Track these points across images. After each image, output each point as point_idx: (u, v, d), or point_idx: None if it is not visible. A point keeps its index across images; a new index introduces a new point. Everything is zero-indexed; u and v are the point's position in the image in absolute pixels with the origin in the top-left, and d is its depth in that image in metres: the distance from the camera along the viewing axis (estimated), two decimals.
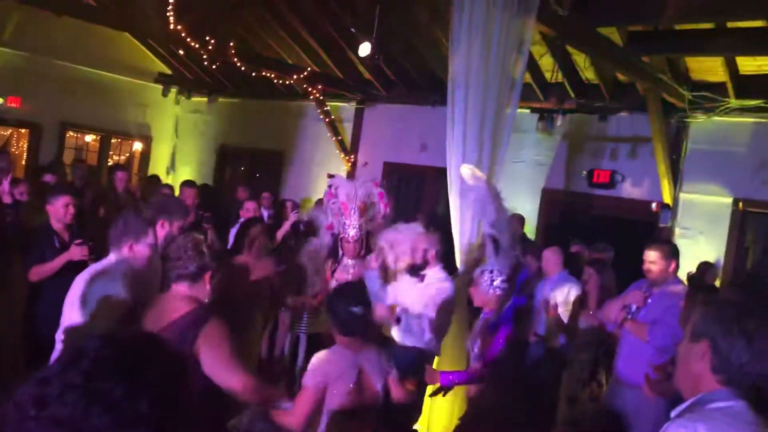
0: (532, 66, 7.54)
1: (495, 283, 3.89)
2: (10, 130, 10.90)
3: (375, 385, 2.98)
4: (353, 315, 2.92)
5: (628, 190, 7.75)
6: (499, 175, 5.00)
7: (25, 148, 10.94)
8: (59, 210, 4.50)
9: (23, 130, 10.87)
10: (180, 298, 2.82)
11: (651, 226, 7.30)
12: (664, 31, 6.22)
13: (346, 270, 4.75)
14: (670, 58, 6.77)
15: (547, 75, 7.80)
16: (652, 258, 4.31)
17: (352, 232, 4.76)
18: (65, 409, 1.11)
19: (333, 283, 4.66)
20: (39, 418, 1.11)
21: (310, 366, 2.94)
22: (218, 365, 2.68)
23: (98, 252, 4.06)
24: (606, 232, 6.89)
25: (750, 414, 1.59)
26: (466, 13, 4.63)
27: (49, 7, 8.03)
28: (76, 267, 4.30)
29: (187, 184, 7.25)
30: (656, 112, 6.96)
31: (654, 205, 7.28)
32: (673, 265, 4.33)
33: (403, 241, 4.67)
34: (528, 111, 8.07)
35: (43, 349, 3.20)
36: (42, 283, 4.31)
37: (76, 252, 4.29)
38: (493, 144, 4.84)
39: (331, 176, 5.29)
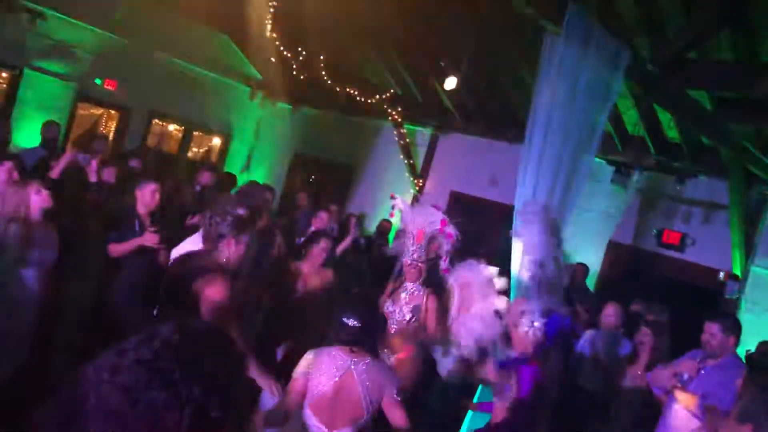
0: (615, 117, 7.48)
1: (535, 324, 3.77)
2: (102, 111, 11.46)
3: (358, 393, 2.99)
4: (345, 326, 3.03)
5: (697, 255, 7.56)
6: (567, 221, 4.99)
7: (113, 130, 11.49)
8: (146, 196, 4.75)
9: (114, 112, 11.42)
10: None
11: (716, 296, 7.09)
12: (755, 100, 6.09)
13: (405, 294, 4.75)
14: (759, 128, 6.61)
15: (629, 128, 7.72)
16: (713, 330, 4.21)
17: (410, 257, 4.75)
18: (131, 379, 1.23)
19: (388, 304, 4.71)
20: (110, 382, 1.24)
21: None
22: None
23: (170, 241, 4.26)
24: (668, 294, 6.72)
25: None
26: (556, 56, 4.67)
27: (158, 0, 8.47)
28: (150, 251, 4.53)
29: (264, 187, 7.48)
30: (737, 181, 6.80)
31: (722, 274, 7.07)
32: (732, 341, 4.21)
33: (475, 284, 4.68)
34: (604, 162, 7.99)
35: (116, 321, 3.38)
36: (119, 261, 4.55)
37: (149, 238, 4.52)
38: (566, 189, 4.84)
39: (393, 197, 5.34)
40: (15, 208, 3.63)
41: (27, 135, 9.04)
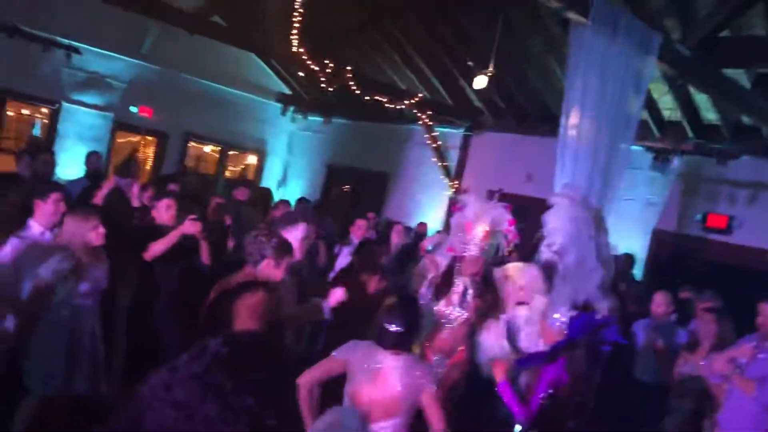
0: (651, 103, 7.36)
1: (555, 316, 3.67)
2: (139, 137, 11.73)
3: (396, 390, 3.02)
4: (387, 331, 3.08)
5: (745, 237, 7.36)
6: (609, 212, 4.91)
7: (151, 155, 11.75)
8: (162, 212, 4.84)
9: (151, 138, 11.69)
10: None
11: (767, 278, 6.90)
12: None
13: (459, 293, 4.62)
14: None
15: (666, 113, 7.59)
16: (767, 312, 4.11)
17: (473, 251, 4.60)
18: (186, 394, 1.28)
19: (441, 304, 4.65)
20: (165, 399, 1.28)
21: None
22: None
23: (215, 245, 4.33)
24: (717, 279, 6.57)
25: None
26: (583, 46, 4.61)
27: (184, 25, 8.64)
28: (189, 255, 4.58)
29: (301, 200, 7.56)
30: None
31: None
32: None
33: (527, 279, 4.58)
34: (642, 149, 7.85)
35: (159, 339, 3.46)
36: (156, 279, 4.61)
37: (189, 226, 4.55)
38: (604, 179, 4.77)
39: (464, 191, 5.24)
40: (70, 238, 3.74)
41: (69, 167, 9.30)
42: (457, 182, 10.36)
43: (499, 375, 3.57)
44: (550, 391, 3.34)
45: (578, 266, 4.10)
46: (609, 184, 4.82)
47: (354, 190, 12.36)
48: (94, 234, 3.81)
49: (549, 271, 4.29)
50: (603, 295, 3.99)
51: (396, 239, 7.33)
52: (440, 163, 10.47)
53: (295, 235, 4.43)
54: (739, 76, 6.05)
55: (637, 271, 7.93)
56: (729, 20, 5.28)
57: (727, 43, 5.51)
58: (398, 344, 3.11)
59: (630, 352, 5.60)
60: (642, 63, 4.69)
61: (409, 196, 10.95)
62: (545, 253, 4.38)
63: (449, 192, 10.31)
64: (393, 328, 3.08)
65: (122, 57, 10.54)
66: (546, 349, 3.63)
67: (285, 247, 3.75)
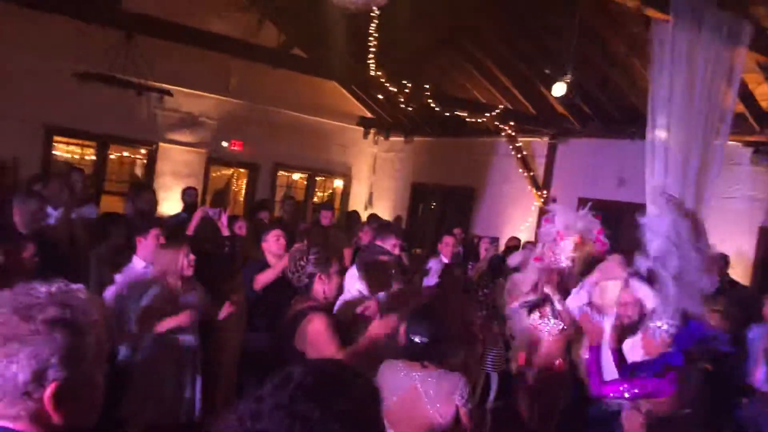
0: (747, 95, 6.98)
1: (661, 327, 3.41)
2: (232, 170, 12.23)
3: (424, 406, 2.93)
4: (412, 342, 3.01)
5: None
6: (708, 211, 4.69)
7: (243, 186, 12.22)
8: (272, 243, 4.97)
9: (242, 170, 12.16)
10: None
11: None
12: None
13: (551, 305, 4.55)
14: None
15: (764, 104, 7.17)
16: None
17: (564, 262, 4.56)
18: (273, 425, 1.29)
19: (534, 316, 4.57)
20: (253, 430, 1.30)
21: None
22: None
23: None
24: None
25: None
26: (667, 43, 4.45)
27: (266, 61, 8.97)
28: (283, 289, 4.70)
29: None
30: None
31: None
32: None
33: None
34: (741, 144, 7.45)
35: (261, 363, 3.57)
36: (257, 309, 4.77)
37: (297, 247, 4.68)
38: (699, 178, 4.56)
39: (553, 201, 5.17)
40: (164, 270, 3.94)
41: (169, 203, 9.79)
42: (545, 192, 10.16)
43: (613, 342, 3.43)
44: (640, 401, 3.17)
45: (681, 272, 3.89)
46: (705, 183, 4.61)
47: (440, 206, 12.35)
48: (185, 263, 3.99)
49: (650, 279, 4.12)
50: (698, 306, 3.73)
51: (484, 253, 7.27)
52: (527, 174, 10.31)
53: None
54: None
55: (744, 272, 7.49)
56: None
57: None
58: (425, 356, 3.02)
59: (742, 360, 5.28)
60: (732, 54, 4.48)
61: (496, 209, 10.84)
62: (642, 262, 4.18)
63: (538, 203, 10.12)
64: (417, 338, 3.01)
65: (211, 95, 11.05)
66: (652, 359, 3.45)
67: (326, 258, 3.81)
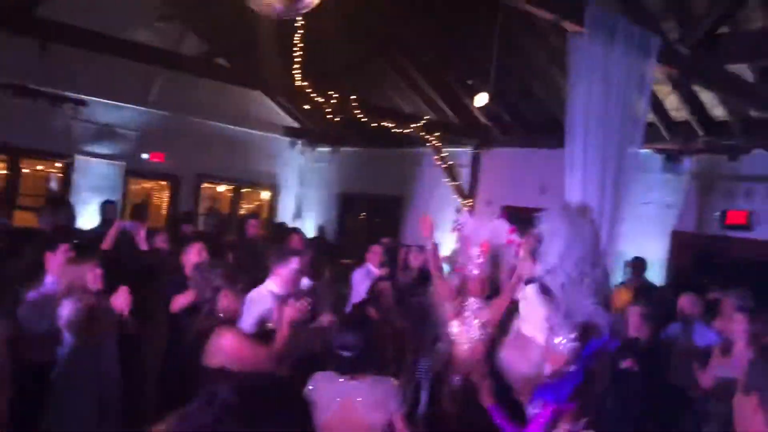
0: (657, 105, 7.33)
1: (556, 341, 3.35)
2: (152, 184, 11.88)
3: (361, 416, 2.93)
4: (340, 357, 3.01)
5: (767, 231, 7.26)
6: (624, 217, 4.87)
7: (165, 200, 11.88)
8: (193, 257, 4.83)
9: (164, 183, 11.82)
10: None
11: None
12: None
13: (470, 311, 4.65)
14: None
15: (673, 114, 7.54)
16: None
17: (474, 270, 4.65)
18: None
19: (455, 325, 4.63)
20: None
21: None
22: None
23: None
24: (742, 277, 6.46)
25: None
26: (583, 54, 4.62)
27: (189, 70, 8.79)
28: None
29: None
30: None
31: None
32: None
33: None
34: (653, 152, 7.80)
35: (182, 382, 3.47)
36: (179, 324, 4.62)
37: None
38: (616, 185, 4.74)
39: (458, 211, 5.28)
40: (69, 285, 3.79)
41: (87, 218, 9.40)
42: (471, 201, 10.34)
43: (487, 397, 3.40)
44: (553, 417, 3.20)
45: (573, 284, 3.91)
46: (621, 189, 4.79)
47: (369, 216, 12.37)
48: (91, 277, 3.85)
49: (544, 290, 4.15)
50: (603, 313, 3.77)
51: (415, 263, 7.31)
52: (452, 183, 10.47)
53: (290, 268, 4.47)
54: (743, 70, 6.01)
55: (659, 275, 7.83)
56: (726, 16, 5.27)
57: (727, 39, 5.49)
58: (355, 369, 3.02)
59: (664, 357, 5.51)
60: (643, 66, 4.68)
61: None
62: (540, 274, 4.22)
63: (463, 211, 10.28)
64: (345, 353, 3.00)
65: (131, 106, 10.71)
66: (555, 381, 3.39)
67: (235, 273, 3.78)
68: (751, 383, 1.60)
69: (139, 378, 4.49)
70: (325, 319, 4.34)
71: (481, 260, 4.61)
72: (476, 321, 4.57)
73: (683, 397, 5.28)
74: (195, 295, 3.95)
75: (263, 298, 4.34)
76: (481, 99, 7.60)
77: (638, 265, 7.32)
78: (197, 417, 1.30)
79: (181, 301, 4.55)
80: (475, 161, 10.49)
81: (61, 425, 3.63)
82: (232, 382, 1.39)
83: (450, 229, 5.16)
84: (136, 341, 4.34)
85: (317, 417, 2.97)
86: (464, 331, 4.58)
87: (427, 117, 9.85)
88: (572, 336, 3.36)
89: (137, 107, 10.76)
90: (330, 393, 2.97)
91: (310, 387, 3.05)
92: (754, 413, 1.55)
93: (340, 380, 3.01)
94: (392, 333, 4.86)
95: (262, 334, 3.86)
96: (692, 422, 5.17)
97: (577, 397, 3.15)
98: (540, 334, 3.81)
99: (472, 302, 4.64)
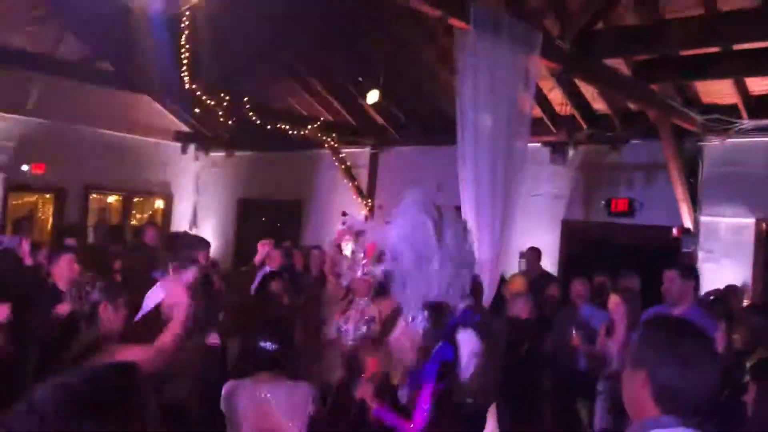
0: (542, 100, 7.62)
1: (412, 319, 3.47)
2: (36, 196, 11.16)
3: (279, 421, 2.90)
4: (262, 350, 2.96)
5: (648, 217, 7.71)
6: (516, 209, 5.03)
7: (50, 213, 11.18)
8: (64, 268, 4.57)
9: (48, 195, 11.13)
10: None
11: (674, 252, 7.23)
12: (670, 58, 6.28)
13: (358, 310, 4.74)
14: (679, 84, 6.81)
15: (558, 108, 7.87)
16: (671, 276, 4.31)
17: (360, 272, 4.73)
18: None
19: (342, 323, 4.70)
20: None
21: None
22: None
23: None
24: (629, 261, 6.83)
25: None
26: (469, 52, 4.71)
27: (69, 75, 8.32)
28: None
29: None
30: (669, 138, 6.97)
31: (675, 230, 7.23)
32: (691, 285, 4.31)
33: None
34: (540, 145, 8.11)
35: None
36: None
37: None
38: (506, 179, 4.88)
39: (344, 214, 5.31)
40: None
41: None
42: (370, 201, 10.38)
43: (370, 400, 3.33)
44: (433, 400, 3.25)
45: (418, 267, 3.94)
46: (512, 182, 4.93)
47: (269, 221, 12.17)
48: None
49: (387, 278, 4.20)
50: (459, 294, 3.85)
51: (315, 265, 7.23)
52: (351, 184, 10.47)
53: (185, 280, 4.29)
54: (620, 65, 6.35)
55: (554, 263, 8.15)
56: (601, 13, 5.55)
57: (603, 35, 5.78)
58: (275, 364, 2.97)
59: (559, 341, 5.73)
60: (527, 61, 4.84)
61: (324, 220, 10.86)
62: (380, 265, 4.22)
63: (364, 212, 10.31)
64: (268, 345, 2.94)
65: (7, 115, 10.02)
66: (430, 361, 3.41)
67: (115, 287, 3.64)
68: (637, 358, 1.64)
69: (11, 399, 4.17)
70: (212, 338, 4.25)
71: (366, 263, 4.66)
72: (362, 319, 4.65)
73: (572, 375, 5.54)
74: (71, 308, 3.74)
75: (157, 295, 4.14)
76: (372, 96, 7.64)
77: (533, 254, 7.57)
78: (10, 425, 1.20)
79: (57, 313, 4.28)
80: (373, 161, 10.54)
81: None
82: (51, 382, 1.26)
83: (336, 234, 5.20)
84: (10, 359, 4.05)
85: (233, 426, 2.88)
86: (350, 329, 4.65)
87: (323, 118, 9.80)
88: (422, 315, 3.44)
89: (14, 116, 10.07)
90: (247, 398, 2.89)
91: (225, 396, 2.95)
92: (641, 388, 1.58)
93: (258, 384, 2.93)
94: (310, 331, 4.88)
95: (154, 316, 3.67)
96: (583, 399, 5.42)
97: (446, 375, 3.23)
98: None
99: (359, 301, 4.77)
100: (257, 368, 2.98)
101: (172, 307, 3.35)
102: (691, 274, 4.36)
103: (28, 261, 5.20)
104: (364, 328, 4.63)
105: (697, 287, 4.41)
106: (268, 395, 2.88)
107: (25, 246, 5.18)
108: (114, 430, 1.21)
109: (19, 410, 1.21)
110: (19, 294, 4.49)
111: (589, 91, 7.51)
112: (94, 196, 11.72)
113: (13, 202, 10.63)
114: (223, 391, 3.00)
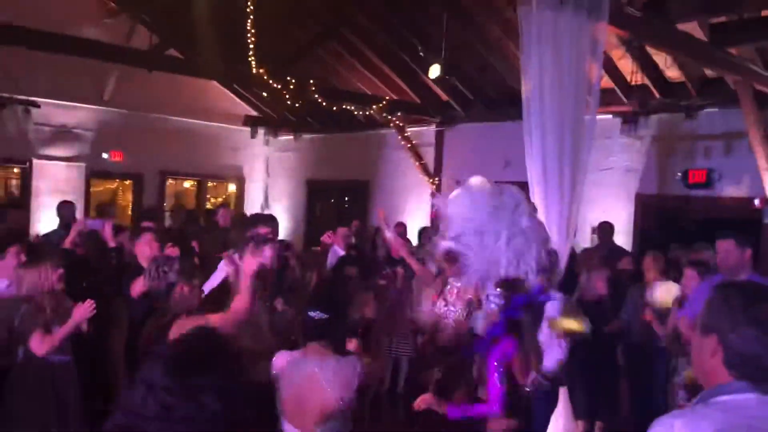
0: (612, 69, 7.37)
1: (489, 297, 3.53)
2: (116, 183, 11.67)
3: (323, 394, 2.85)
4: (311, 319, 2.94)
5: (727, 188, 7.38)
6: (585, 184, 4.91)
7: (130, 198, 11.68)
8: (144, 247, 4.77)
9: (127, 182, 11.62)
10: None
11: (755, 225, 6.90)
12: (749, 20, 5.94)
13: (453, 290, 4.65)
14: (760, 47, 6.44)
15: (629, 77, 7.59)
16: (727, 247, 4.17)
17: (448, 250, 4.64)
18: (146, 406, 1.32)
19: (440, 304, 4.66)
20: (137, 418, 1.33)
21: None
22: None
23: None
24: (706, 234, 6.55)
25: (761, 408, 1.46)
26: (533, 23, 4.62)
27: (140, 64, 8.61)
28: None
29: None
30: (750, 105, 6.62)
31: (757, 201, 6.89)
32: (748, 254, 4.16)
33: None
34: (611, 116, 7.85)
35: None
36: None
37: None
38: (574, 152, 4.76)
39: (433, 195, 5.26)
40: (29, 288, 3.71)
41: (48, 222, 9.21)
42: (437, 179, 10.33)
43: (437, 407, 3.37)
44: (501, 371, 3.24)
45: (482, 246, 3.88)
46: (580, 155, 4.81)
47: (337, 202, 12.32)
48: (52, 278, 3.77)
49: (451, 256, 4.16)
50: (534, 270, 3.78)
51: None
52: (417, 163, 10.45)
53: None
54: (694, 29, 6.05)
55: (626, 239, 7.93)
56: None
57: None
58: (323, 334, 2.94)
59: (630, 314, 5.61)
60: (594, 30, 4.69)
61: (392, 200, 10.91)
62: (441, 243, 4.15)
63: (431, 190, 10.28)
64: (316, 314, 2.92)
65: (85, 105, 10.48)
66: (487, 334, 3.51)
67: (191, 268, 3.74)
68: (707, 324, 1.59)
69: (103, 377, 4.43)
70: (278, 304, 4.29)
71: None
72: (458, 299, 4.60)
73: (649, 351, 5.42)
74: (148, 285, 3.90)
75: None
76: (434, 70, 7.56)
77: (604, 229, 7.39)
78: (144, 379, 1.32)
79: (137, 289, 4.47)
80: (439, 139, 10.47)
81: (17, 430, 3.57)
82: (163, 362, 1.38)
83: (429, 214, 5.15)
84: (97, 341, 4.27)
85: (281, 392, 2.93)
86: (449, 309, 4.61)
87: (387, 98, 9.80)
88: (496, 292, 3.46)
89: (93, 106, 10.53)
90: (294, 369, 2.91)
91: (274, 366, 3.02)
92: (713, 354, 1.54)
93: (306, 357, 2.94)
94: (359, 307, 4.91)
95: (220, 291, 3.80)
96: (661, 375, 5.30)
97: (501, 347, 3.22)
98: None
99: (452, 281, 4.65)
100: (306, 338, 3.00)
101: (239, 280, 3.47)
102: (747, 242, 4.20)
103: (112, 243, 5.45)
104: (462, 310, 4.57)
105: (753, 255, 4.24)
106: (316, 369, 2.87)
107: (108, 229, 5.42)
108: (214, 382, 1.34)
109: (133, 386, 1.34)
110: (105, 273, 4.74)
111: (661, 58, 7.21)
112: (171, 181, 12.15)
113: (95, 189, 11.14)
114: (273, 362, 3.04)
